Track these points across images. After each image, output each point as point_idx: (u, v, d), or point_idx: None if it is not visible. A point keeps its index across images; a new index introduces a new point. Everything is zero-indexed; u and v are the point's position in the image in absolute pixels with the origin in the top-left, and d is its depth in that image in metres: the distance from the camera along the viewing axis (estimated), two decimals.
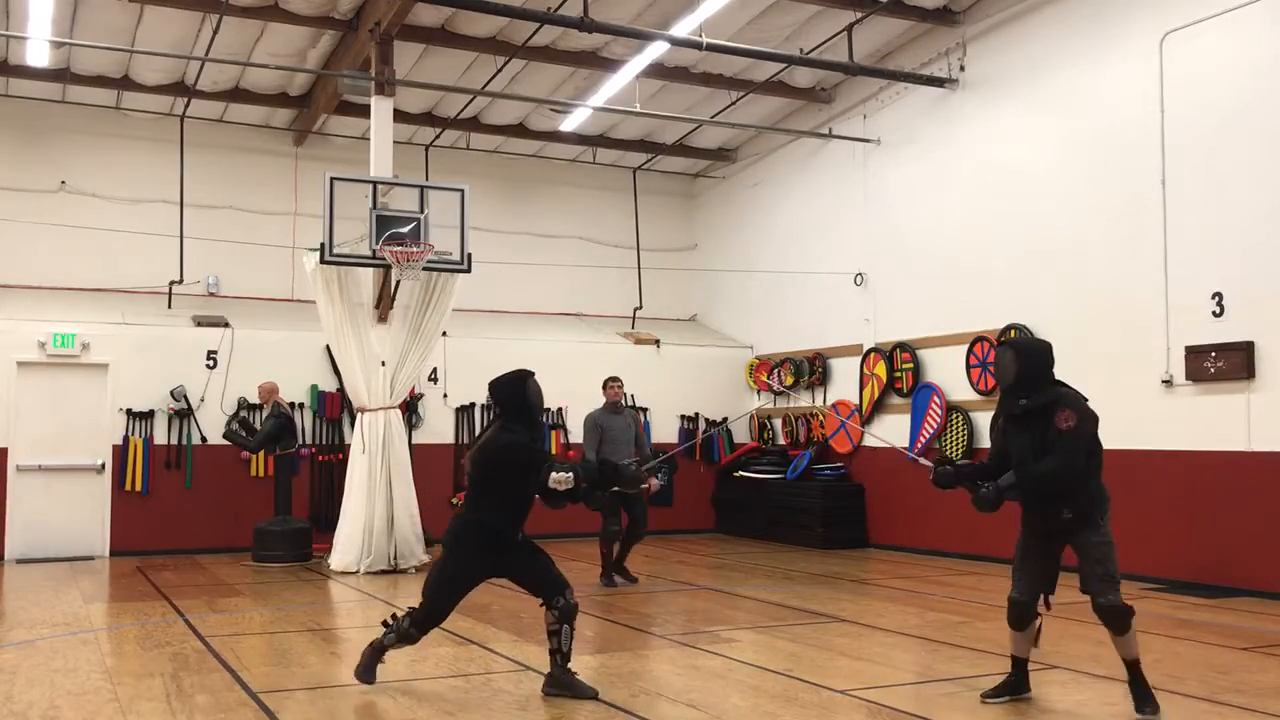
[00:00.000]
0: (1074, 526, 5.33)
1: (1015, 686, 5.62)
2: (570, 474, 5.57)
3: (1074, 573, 5.42)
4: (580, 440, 14.45)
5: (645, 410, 14.74)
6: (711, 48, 11.60)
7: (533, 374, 6.03)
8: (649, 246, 16.61)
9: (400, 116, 12.94)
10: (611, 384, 10.35)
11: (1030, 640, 5.56)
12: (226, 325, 13.16)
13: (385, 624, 5.93)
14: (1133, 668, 5.34)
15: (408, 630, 5.85)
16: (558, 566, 5.88)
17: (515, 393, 5.93)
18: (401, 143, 13.67)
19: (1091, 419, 5.38)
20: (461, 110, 14.41)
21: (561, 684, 5.73)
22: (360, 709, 5.59)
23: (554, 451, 14.36)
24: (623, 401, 10.33)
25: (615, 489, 9.38)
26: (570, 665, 5.78)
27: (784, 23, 12.36)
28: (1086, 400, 5.45)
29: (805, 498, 13.64)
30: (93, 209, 13.65)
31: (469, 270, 11.62)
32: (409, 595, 8.75)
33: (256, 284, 14.25)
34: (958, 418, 12.10)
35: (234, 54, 12.39)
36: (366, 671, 5.89)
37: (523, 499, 5.81)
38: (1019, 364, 5.53)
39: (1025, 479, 5.36)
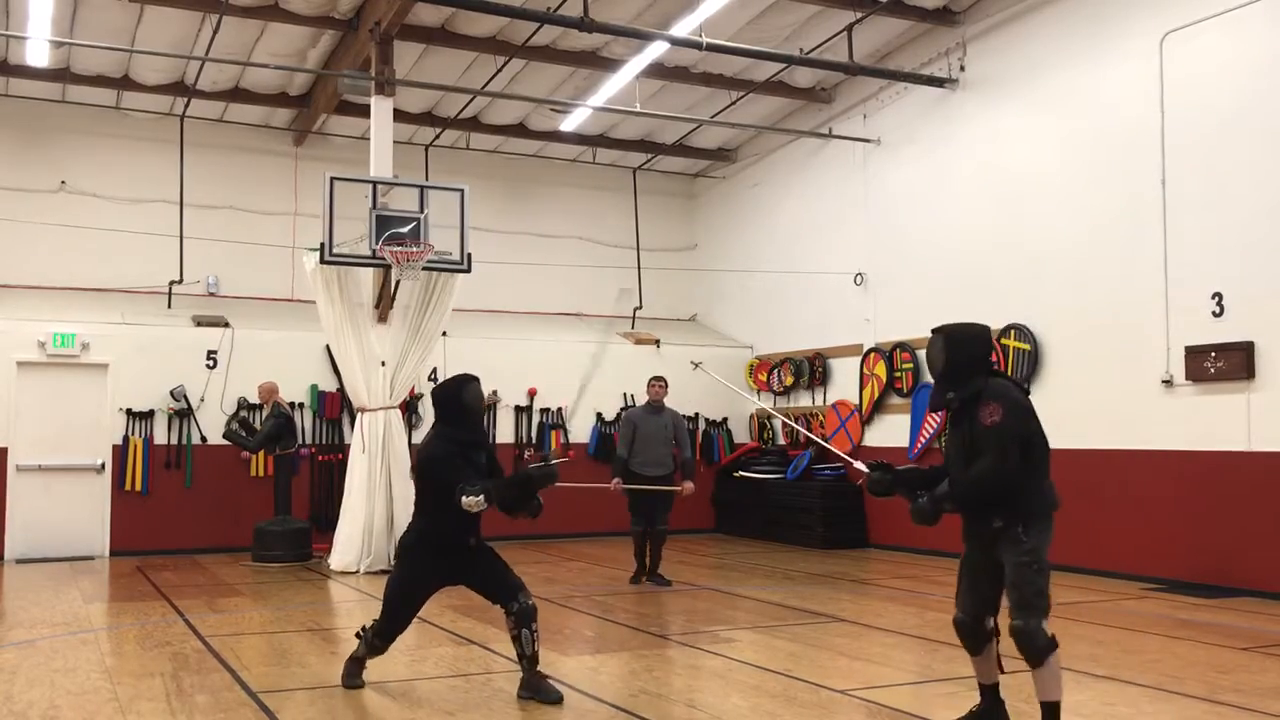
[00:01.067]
0: (1001, 536, 4.66)
1: (985, 718, 4.90)
2: (480, 497, 5.51)
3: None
4: (582, 441, 14.64)
5: None
6: (711, 48, 11.60)
7: (474, 379, 5.99)
8: (649, 246, 16.61)
9: (400, 116, 12.94)
10: (654, 383, 10.40)
11: (992, 664, 4.85)
12: (226, 325, 13.16)
13: (358, 635, 5.99)
14: (1048, 713, 4.55)
15: (372, 641, 5.88)
16: (514, 571, 5.85)
17: (452, 397, 5.93)
18: (401, 143, 13.67)
19: (1021, 411, 4.71)
20: (461, 110, 14.41)
21: (529, 686, 5.69)
22: (360, 709, 5.58)
23: (553, 448, 14.37)
24: (664, 401, 10.33)
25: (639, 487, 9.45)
26: (539, 667, 5.72)
27: (784, 23, 12.36)
28: (1025, 390, 4.88)
29: (805, 498, 13.64)
30: (93, 209, 13.65)
31: (469, 270, 11.62)
32: None
33: (256, 284, 14.25)
34: None
35: (234, 54, 12.39)
36: (350, 678, 5.92)
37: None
38: (947, 353, 4.95)
39: (955, 487, 4.74)
